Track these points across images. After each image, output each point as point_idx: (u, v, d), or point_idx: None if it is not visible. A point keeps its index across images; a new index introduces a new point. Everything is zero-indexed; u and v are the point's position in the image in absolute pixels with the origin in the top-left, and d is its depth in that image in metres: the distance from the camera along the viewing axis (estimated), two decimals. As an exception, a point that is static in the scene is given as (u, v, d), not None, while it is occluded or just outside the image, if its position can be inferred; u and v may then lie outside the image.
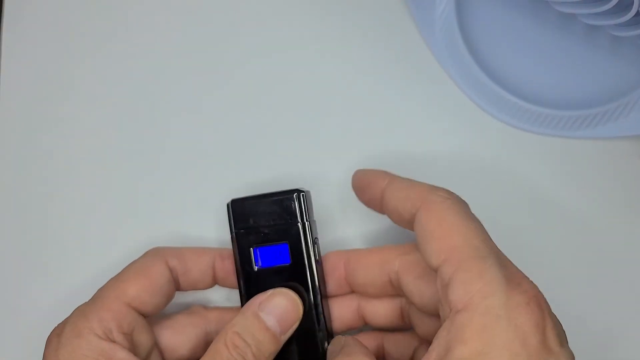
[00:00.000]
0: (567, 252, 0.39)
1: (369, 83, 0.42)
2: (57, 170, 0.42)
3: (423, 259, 0.31)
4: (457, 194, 0.32)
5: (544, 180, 0.40)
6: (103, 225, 0.41)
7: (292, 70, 0.42)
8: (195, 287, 0.37)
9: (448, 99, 0.41)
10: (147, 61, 0.43)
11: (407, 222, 0.33)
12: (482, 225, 0.31)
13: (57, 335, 0.33)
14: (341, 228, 0.40)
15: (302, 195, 0.35)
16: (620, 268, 0.39)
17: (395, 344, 0.36)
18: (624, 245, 0.39)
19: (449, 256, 0.29)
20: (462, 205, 0.32)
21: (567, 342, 0.29)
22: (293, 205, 0.35)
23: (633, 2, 0.33)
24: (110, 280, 0.35)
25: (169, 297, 0.36)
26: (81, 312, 0.33)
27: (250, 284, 0.36)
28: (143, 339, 0.34)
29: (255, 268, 0.36)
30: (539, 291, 0.29)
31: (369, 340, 0.36)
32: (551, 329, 0.28)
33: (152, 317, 0.35)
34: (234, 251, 0.36)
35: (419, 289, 0.33)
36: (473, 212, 0.32)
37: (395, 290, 0.35)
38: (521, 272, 0.29)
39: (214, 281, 0.37)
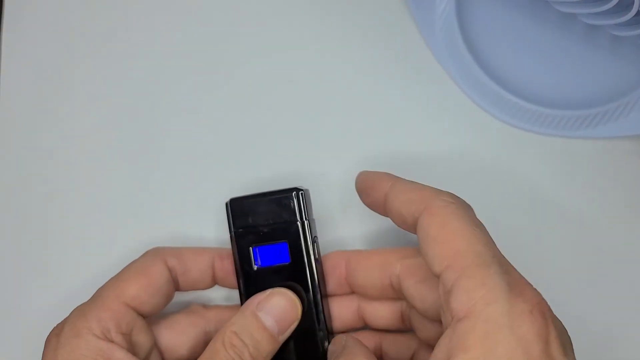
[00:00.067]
0: (567, 252, 0.39)
1: (369, 83, 0.42)
2: (57, 170, 0.42)
3: (425, 263, 0.30)
4: (458, 193, 0.32)
5: (544, 180, 0.40)
6: (103, 225, 0.41)
7: (292, 70, 0.42)
8: (194, 287, 0.37)
9: (448, 99, 0.41)
10: (147, 61, 0.43)
11: (410, 226, 0.32)
12: (486, 230, 0.30)
13: (56, 335, 0.33)
14: (341, 228, 0.40)
15: (301, 193, 0.35)
16: (620, 268, 0.39)
17: (394, 345, 0.36)
18: (624, 245, 0.39)
19: (452, 262, 0.29)
20: (466, 210, 0.31)
21: (573, 350, 0.29)
22: (292, 204, 0.35)
23: (633, 2, 0.33)
24: (109, 280, 0.35)
25: (169, 297, 0.36)
26: (80, 311, 0.33)
27: (250, 283, 0.36)
28: (142, 339, 0.34)
29: (255, 267, 0.36)
30: (543, 299, 0.28)
31: (368, 340, 0.36)
32: (554, 338, 0.27)
33: (152, 317, 0.35)
34: (233, 250, 0.36)
35: (420, 293, 0.33)
36: (474, 211, 0.32)
37: (396, 293, 0.35)
38: (525, 279, 0.29)
39: (214, 281, 0.37)
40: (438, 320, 0.31)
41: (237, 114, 0.42)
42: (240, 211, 0.36)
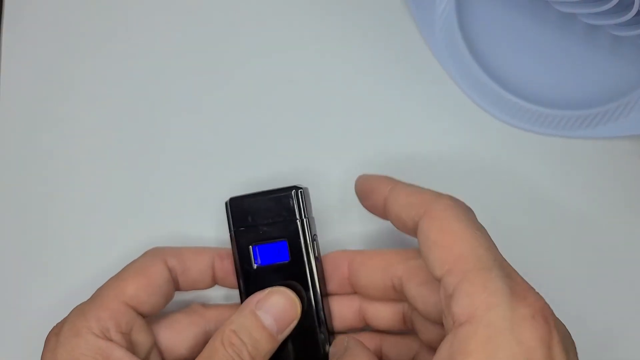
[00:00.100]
0: (567, 252, 0.39)
1: (369, 83, 0.42)
2: (57, 170, 0.42)
3: (426, 267, 0.30)
4: (457, 194, 0.32)
5: (544, 180, 0.40)
6: (103, 225, 0.41)
7: (292, 70, 0.42)
8: (194, 287, 0.37)
9: (448, 99, 0.41)
10: (147, 61, 0.43)
11: (410, 230, 0.32)
12: (487, 233, 0.30)
13: (55, 335, 0.33)
14: (341, 228, 0.40)
15: (300, 192, 0.35)
16: (620, 268, 0.39)
17: (395, 346, 0.36)
18: (624, 245, 0.39)
19: (453, 266, 0.29)
20: (466, 213, 0.31)
21: (577, 354, 0.29)
22: (291, 202, 0.35)
23: (633, 2, 0.33)
24: (109, 279, 0.35)
25: (168, 297, 0.36)
26: (80, 311, 0.33)
27: (250, 282, 0.36)
28: (142, 338, 0.34)
29: (255, 266, 0.36)
30: (546, 303, 0.28)
31: (368, 341, 0.36)
32: (557, 343, 0.27)
33: (152, 317, 0.35)
34: (232, 249, 0.36)
35: (422, 296, 0.33)
36: (474, 214, 0.31)
37: (398, 295, 0.34)
38: (527, 283, 0.29)
39: (214, 281, 0.37)
40: (440, 323, 0.31)
41: (237, 114, 0.42)
42: (240, 210, 0.36)
